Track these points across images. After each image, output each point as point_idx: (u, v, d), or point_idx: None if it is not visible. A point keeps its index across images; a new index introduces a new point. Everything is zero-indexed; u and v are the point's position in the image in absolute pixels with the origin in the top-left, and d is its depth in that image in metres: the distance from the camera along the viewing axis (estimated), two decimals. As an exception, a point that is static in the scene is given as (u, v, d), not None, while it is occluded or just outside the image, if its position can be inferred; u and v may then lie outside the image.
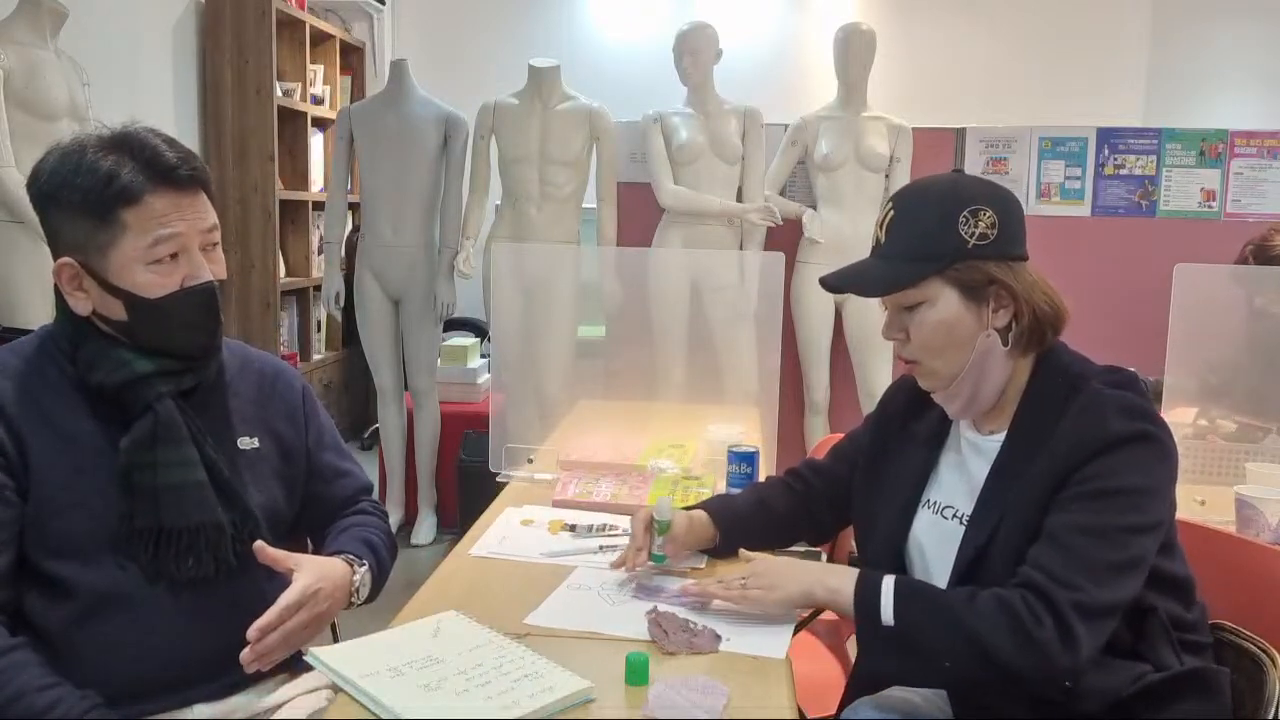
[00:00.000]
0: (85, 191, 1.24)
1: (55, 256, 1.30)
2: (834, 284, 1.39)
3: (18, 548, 1.24)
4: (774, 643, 1.29)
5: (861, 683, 1.45)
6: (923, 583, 1.33)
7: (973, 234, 1.28)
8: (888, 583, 1.25)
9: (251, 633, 1.21)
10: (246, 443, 1.41)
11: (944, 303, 1.30)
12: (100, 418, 1.29)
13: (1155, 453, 1.23)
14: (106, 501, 1.27)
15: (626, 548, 1.52)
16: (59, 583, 1.25)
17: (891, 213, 1.34)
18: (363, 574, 1.40)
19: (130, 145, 1.26)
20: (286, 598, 1.26)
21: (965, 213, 1.28)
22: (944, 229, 1.29)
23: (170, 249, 1.27)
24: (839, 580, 1.30)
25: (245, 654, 1.22)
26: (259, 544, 1.30)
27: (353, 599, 1.38)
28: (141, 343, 1.30)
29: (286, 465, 1.46)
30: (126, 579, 1.27)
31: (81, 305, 1.29)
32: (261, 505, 1.39)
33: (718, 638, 1.28)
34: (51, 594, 1.25)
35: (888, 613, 1.23)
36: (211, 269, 1.32)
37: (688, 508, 1.60)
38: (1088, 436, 1.23)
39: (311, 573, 1.30)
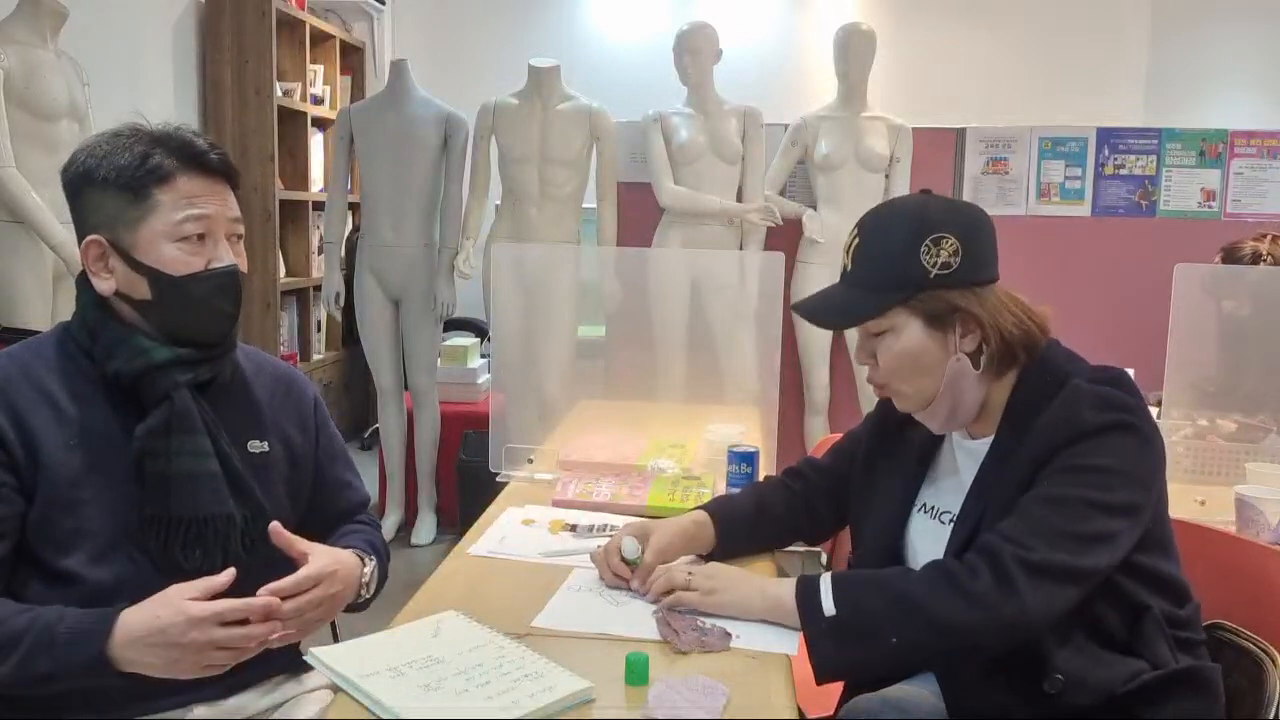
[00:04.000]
0: (120, 169, 1.28)
1: (82, 238, 1.32)
2: (806, 314, 1.39)
3: (13, 545, 1.24)
4: (784, 640, 1.29)
5: (861, 681, 1.45)
6: (861, 570, 1.34)
7: (935, 263, 1.28)
8: (826, 577, 1.27)
9: (262, 592, 1.20)
10: (256, 446, 1.41)
11: (909, 333, 1.31)
12: (116, 410, 1.30)
13: (1132, 440, 1.23)
14: (119, 495, 1.27)
15: (607, 561, 1.49)
16: (66, 577, 1.25)
17: (857, 239, 1.35)
18: (371, 568, 1.42)
19: (164, 134, 1.32)
20: (303, 572, 1.25)
21: (928, 241, 1.28)
22: (906, 258, 1.29)
23: (198, 229, 1.30)
24: (779, 588, 1.31)
25: (256, 604, 1.19)
26: (275, 525, 1.30)
27: (362, 591, 1.39)
28: (162, 323, 1.31)
29: (294, 472, 1.47)
30: (134, 574, 1.27)
31: (105, 285, 1.31)
32: (268, 509, 1.39)
33: (728, 635, 1.28)
34: (57, 588, 1.25)
35: (828, 602, 1.24)
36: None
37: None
38: (1062, 427, 1.24)
39: (327, 555, 1.31)
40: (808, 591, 1.26)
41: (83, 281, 1.34)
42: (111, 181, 1.28)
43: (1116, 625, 1.25)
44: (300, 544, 1.30)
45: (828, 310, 1.38)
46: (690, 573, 1.38)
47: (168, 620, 1.15)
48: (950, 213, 1.32)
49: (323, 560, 1.29)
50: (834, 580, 1.26)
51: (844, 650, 1.23)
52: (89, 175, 1.30)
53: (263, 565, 1.33)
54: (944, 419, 1.35)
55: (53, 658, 1.15)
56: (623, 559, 1.47)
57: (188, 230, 1.30)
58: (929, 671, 1.36)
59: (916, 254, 1.28)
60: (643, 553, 1.46)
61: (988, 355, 1.31)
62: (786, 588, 1.30)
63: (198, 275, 1.31)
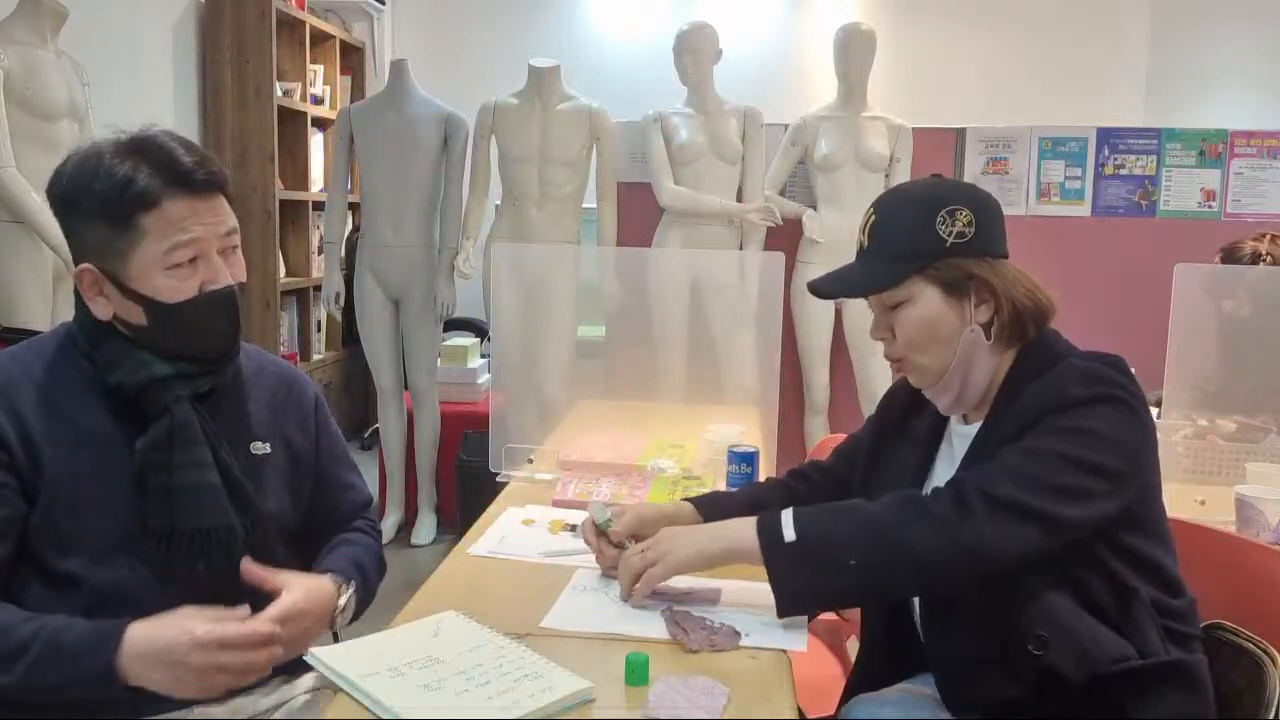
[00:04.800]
0: (103, 198, 1.24)
1: (76, 262, 1.30)
2: (822, 289, 1.41)
3: (13, 547, 1.24)
4: (792, 637, 1.29)
5: (861, 682, 1.45)
6: (820, 504, 1.36)
7: (951, 232, 1.32)
8: (788, 510, 1.29)
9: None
10: (259, 448, 1.41)
11: (926, 300, 1.33)
12: (117, 417, 1.30)
13: (1119, 410, 1.24)
14: (120, 501, 1.27)
15: (586, 540, 1.52)
16: (68, 579, 1.25)
17: (873, 217, 1.39)
18: (348, 597, 1.39)
19: (147, 149, 1.26)
20: (269, 613, 1.23)
21: (943, 213, 1.32)
22: (923, 229, 1.32)
23: (188, 254, 1.27)
24: (736, 529, 1.33)
25: (261, 630, 1.18)
26: (245, 563, 1.28)
27: (335, 621, 1.37)
28: (160, 346, 1.30)
29: (295, 473, 1.46)
30: (135, 579, 1.27)
31: (102, 310, 1.29)
32: (271, 512, 1.38)
33: (737, 634, 1.28)
34: (59, 590, 1.25)
35: (789, 530, 1.26)
36: (231, 272, 1.32)
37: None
38: (1048, 397, 1.26)
39: (298, 591, 1.28)
40: (768, 523, 1.28)
41: (79, 293, 1.32)
42: (96, 212, 1.24)
43: (1103, 597, 1.24)
44: (273, 579, 1.28)
45: (846, 284, 1.40)
46: (642, 549, 1.37)
47: (172, 639, 1.15)
48: (963, 189, 1.38)
49: (293, 598, 1.26)
50: (795, 511, 1.29)
51: (804, 575, 1.25)
52: (73, 203, 1.27)
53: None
54: (955, 395, 1.37)
55: (59, 670, 1.15)
56: (596, 527, 1.48)
57: (178, 257, 1.26)
58: (891, 598, 1.39)
59: (933, 225, 1.32)
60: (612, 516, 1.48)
61: (999, 325, 1.33)
62: (747, 527, 1.31)
63: (193, 300, 1.28)
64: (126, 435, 1.29)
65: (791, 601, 1.27)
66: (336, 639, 1.47)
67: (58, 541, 1.25)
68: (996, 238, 1.35)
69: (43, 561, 1.26)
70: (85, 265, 1.29)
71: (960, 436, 1.41)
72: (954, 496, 1.22)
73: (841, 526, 1.26)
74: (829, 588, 1.27)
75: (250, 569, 1.28)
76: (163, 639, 1.15)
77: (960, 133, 4.09)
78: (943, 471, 1.42)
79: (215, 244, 1.30)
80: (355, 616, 1.44)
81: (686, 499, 1.60)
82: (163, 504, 1.27)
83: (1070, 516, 1.21)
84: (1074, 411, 1.23)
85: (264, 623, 1.19)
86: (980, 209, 1.34)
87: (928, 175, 1.44)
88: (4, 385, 1.27)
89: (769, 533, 1.27)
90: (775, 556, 1.26)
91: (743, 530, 1.31)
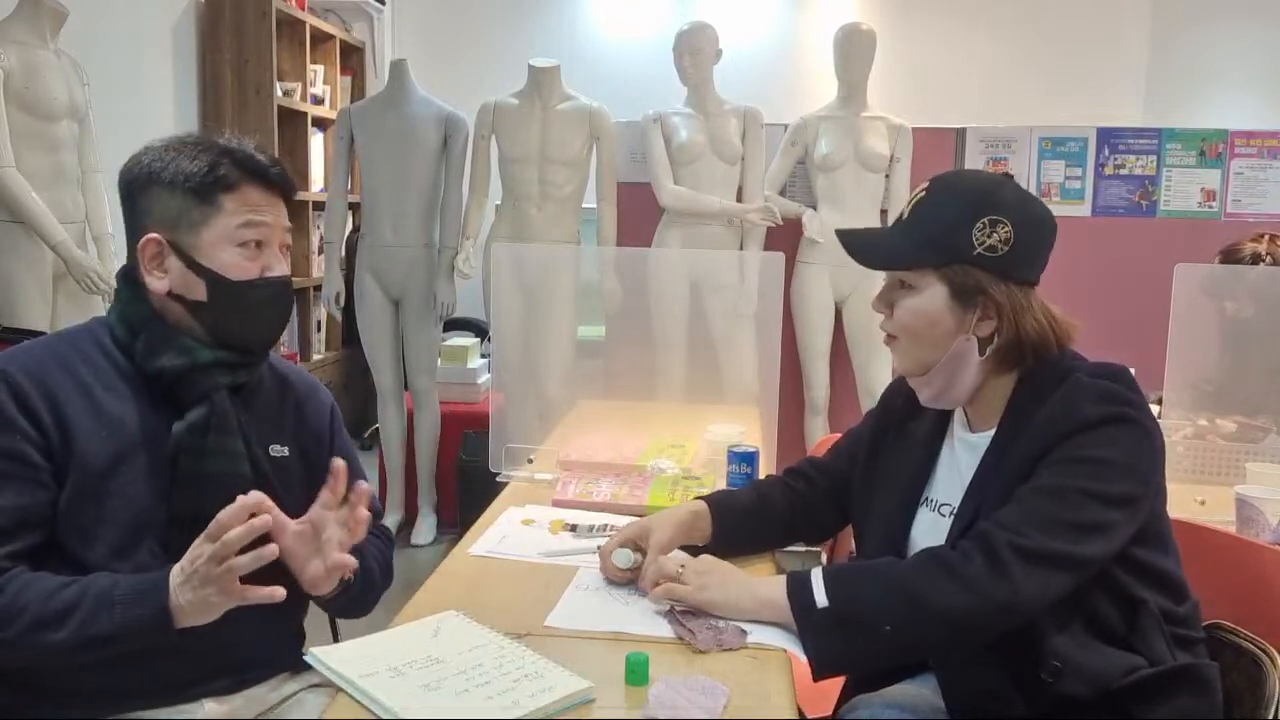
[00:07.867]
0: (189, 174, 1.32)
1: (136, 236, 1.34)
2: (847, 243, 1.39)
3: (47, 535, 1.25)
4: (795, 639, 1.28)
5: (860, 682, 1.45)
6: (850, 563, 1.33)
7: (982, 243, 1.29)
8: (815, 571, 1.27)
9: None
10: (278, 450, 1.43)
11: (930, 296, 1.32)
12: (147, 405, 1.32)
13: (1131, 432, 1.24)
14: (146, 489, 1.29)
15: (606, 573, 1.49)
16: (86, 568, 1.25)
17: (923, 194, 1.36)
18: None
19: (229, 147, 1.36)
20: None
21: (985, 219, 1.29)
22: (959, 227, 1.30)
23: (257, 235, 1.35)
24: (769, 589, 1.30)
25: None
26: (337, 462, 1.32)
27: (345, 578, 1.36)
28: (215, 326, 1.34)
29: (309, 480, 1.46)
30: (154, 569, 1.26)
31: (159, 284, 1.33)
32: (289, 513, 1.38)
33: (743, 633, 1.28)
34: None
35: (820, 595, 1.24)
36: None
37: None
38: (1062, 420, 1.25)
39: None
40: (799, 586, 1.26)
41: (124, 279, 1.37)
42: (179, 185, 1.32)
43: (1113, 619, 1.25)
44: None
45: (867, 247, 1.39)
46: (682, 565, 1.37)
47: (186, 556, 1.19)
48: (1020, 204, 1.33)
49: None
50: (825, 573, 1.27)
51: (839, 641, 1.23)
52: (154, 176, 1.33)
53: (276, 569, 1.33)
54: (935, 392, 1.37)
55: (111, 618, 1.17)
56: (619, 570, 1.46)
57: (247, 236, 1.34)
58: (925, 659, 1.36)
59: (970, 227, 1.29)
60: (642, 556, 1.45)
61: (996, 346, 1.31)
62: (777, 587, 1.29)
63: (254, 282, 1.35)
64: (157, 425, 1.31)
65: (827, 666, 1.24)
66: (336, 639, 1.47)
67: (81, 530, 1.26)
68: (1030, 264, 1.32)
69: (65, 551, 1.26)
70: (152, 235, 1.33)
71: (965, 444, 1.40)
72: (986, 553, 1.19)
73: (874, 591, 1.23)
74: (864, 652, 1.25)
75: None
76: (181, 564, 1.19)
77: (960, 133, 4.09)
78: (945, 478, 1.41)
79: (279, 236, 1.39)
80: (359, 606, 1.45)
81: (699, 497, 1.59)
82: (192, 490, 1.30)
83: (1097, 553, 1.20)
84: (1087, 436, 1.22)
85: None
86: (1025, 229, 1.30)
87: (1001, 173, 1.40)
88: (40, 369, 1.29)
89: (800, 598, 1.25)
90: (808, 622, 1.24)
91: (773, 592, 1.28)
